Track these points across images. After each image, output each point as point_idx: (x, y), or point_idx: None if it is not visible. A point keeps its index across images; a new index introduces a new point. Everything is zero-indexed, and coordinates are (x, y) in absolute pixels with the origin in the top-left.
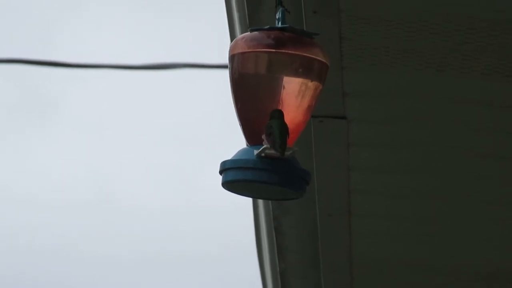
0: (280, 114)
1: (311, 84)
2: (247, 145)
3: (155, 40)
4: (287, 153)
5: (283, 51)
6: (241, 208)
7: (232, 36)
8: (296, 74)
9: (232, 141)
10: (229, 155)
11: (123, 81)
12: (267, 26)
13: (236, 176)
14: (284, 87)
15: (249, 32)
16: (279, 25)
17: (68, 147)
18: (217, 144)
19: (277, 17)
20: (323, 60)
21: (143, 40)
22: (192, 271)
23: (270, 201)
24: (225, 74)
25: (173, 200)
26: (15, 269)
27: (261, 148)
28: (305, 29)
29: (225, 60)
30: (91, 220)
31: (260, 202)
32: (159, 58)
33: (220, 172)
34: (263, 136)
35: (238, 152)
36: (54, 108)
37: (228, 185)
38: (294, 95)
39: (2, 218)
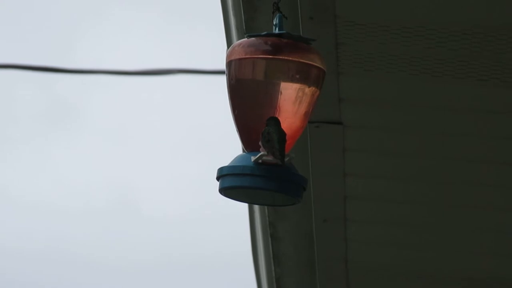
0: (276, 121)
1: (308, 90)
2: (243, 151)
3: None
4: (285, 159)
5: (281, 57)
6: (236, 214)
7: (229, 42)
8: (293, 80)
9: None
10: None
11: (131, 87)
12: (264, 32)
13: (233, 183)
14: (281, 93)
15: (246, 38)
16: (276, 31)
17: (89, 154)
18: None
19: (274, 23)
20: (320, 66)
21: (146, 47)
22: (191, 276)
23: (265, 207)
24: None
25: (178, 208)
26: (34, 274)
27: (258, 155)
28: (301, 35)
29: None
30: (110, 227)
31: (256, 208)
32: (166, 64)
33: (217, 179)
34: (260, 143)
35: (235, 158)
36: (73, 115)
37: (226, 191)
38: (292, 101)
39: (23, 224)
